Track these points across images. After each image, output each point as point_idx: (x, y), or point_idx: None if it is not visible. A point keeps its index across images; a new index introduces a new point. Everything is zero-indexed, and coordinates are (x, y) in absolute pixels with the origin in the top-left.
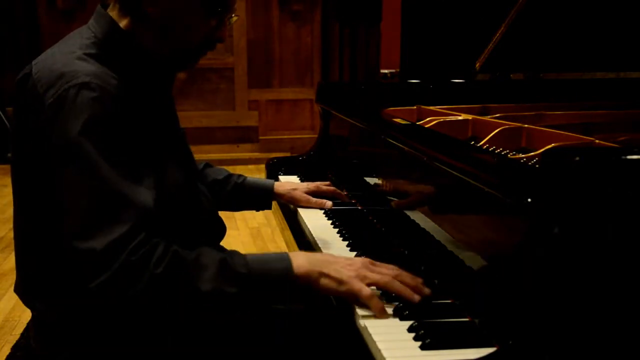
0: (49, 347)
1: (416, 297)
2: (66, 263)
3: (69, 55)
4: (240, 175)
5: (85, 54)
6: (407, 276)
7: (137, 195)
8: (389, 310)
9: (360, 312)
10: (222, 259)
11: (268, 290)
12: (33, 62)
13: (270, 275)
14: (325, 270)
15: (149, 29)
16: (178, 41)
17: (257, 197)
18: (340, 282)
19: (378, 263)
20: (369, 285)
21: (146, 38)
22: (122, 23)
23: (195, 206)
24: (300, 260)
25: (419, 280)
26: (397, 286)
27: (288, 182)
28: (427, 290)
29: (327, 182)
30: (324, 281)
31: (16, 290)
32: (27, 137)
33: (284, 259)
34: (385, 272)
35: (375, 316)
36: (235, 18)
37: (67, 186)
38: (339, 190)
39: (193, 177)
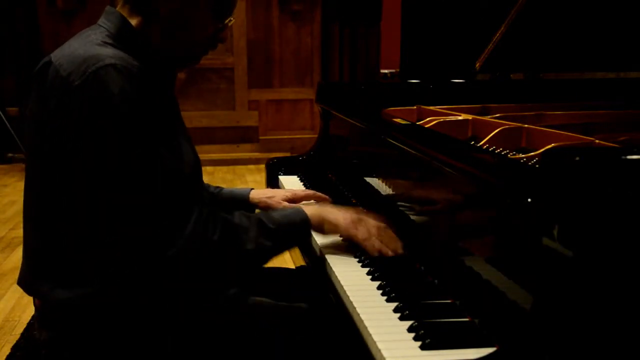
0: (55, 335)
1: (390, 252)
2: (97, 244)
3: (88, 44)
4: (217, 187)
5: (103, 41)
6: (386, 236)
7: (183, 168)
8: (389, 309)
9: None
10: (258, 219)
11: (292, 237)
12: (51, 54)
13: (294, 225)
14: (326, 217)
15: (159, 29)
16: (187, 41)
17: (234, 207)
18: (336, 225)
19: (368, 214)
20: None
21: (155, 37)
22: (133, 22)
23: (200, 195)
24: (311, 210)
25: (399, 243)
26: (377, 243)
27: (265, 190)
28: (400, 250)
29: (306, 191)
30: (327, 225)
31: (20, 282)
32: (48, 122)
33: (300, 211)
34: (370, 228)
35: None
36: (233, 20)
37: (114, 167)
38: (318, 195)
39: (199, 164)
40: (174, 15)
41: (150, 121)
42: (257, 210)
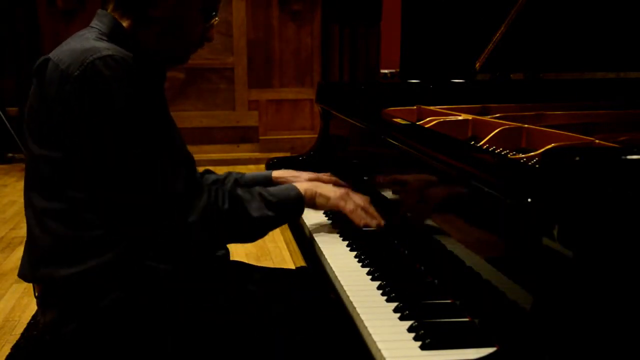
0: (60, 314)
1: (374, 223)
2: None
3: (84, 40)
4: (239, 172)
5: (99, 37)
6: (370, 210)
7: (185, 148)
8: (389, 309)
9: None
10: (259, 192)
11: (289, 210)
12: (50, 54)
13: (290, 199)
14: (319, 191)
15: (151, 30)
16: (177, 42)
17: None
18: (328, 198)
19: (353, 192)
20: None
21: (146, 38)
22: (124, 23)
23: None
24: (304, 186)
25: (380, 219)
26: (363, 215)
27: (288, 171)
28: (382, 222)
29: (328, 173)
30: (319, 199)
31: (20, 274)
32: (48, 114)
33: (294, 188)
34: (357, 202)
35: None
36: (217, 19)
37: (114, 159)
38: (340, 181)
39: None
40: (170, 15)
41: (148, 109)
42: None
